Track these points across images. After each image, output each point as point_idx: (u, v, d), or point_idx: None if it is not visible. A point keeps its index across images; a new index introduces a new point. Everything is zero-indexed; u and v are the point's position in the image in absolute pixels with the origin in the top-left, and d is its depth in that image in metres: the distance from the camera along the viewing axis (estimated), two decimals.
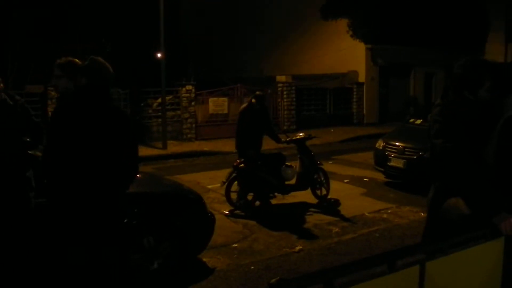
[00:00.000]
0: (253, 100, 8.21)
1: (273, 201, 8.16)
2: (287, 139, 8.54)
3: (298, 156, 8.47)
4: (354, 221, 7.39)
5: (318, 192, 8.49)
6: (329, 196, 8.58)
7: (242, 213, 7.75)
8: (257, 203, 8.07)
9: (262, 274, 5.25)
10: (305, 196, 8.45)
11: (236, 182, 8.00)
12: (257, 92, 8.56)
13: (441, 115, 3.03)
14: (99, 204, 3.52)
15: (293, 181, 8.32)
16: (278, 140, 8.58)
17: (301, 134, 8.96)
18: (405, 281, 1.93)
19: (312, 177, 8.38)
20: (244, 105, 8.47)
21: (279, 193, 8.22)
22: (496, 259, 2.36)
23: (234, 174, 7.93)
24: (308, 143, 8.72)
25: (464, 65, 3.10)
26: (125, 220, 4.71)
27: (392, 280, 1.88)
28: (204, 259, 5.66)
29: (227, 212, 7.78)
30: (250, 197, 8.01)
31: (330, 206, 8.25)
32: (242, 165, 7.84)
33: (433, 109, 3.16)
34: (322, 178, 8.55)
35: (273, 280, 1.60)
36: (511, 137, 2.77)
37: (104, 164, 3.51)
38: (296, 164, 8.43)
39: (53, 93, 13.76)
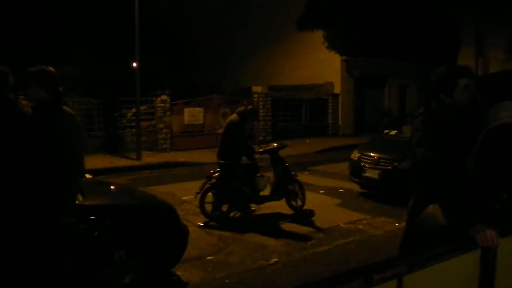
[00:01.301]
0: (248, 113, 8.04)
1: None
2: (260, 150, 8.48)
3: (272, 166, 8.41)
4: (330, 232, 7.36)
5: (294, 203, 8.44)
6: (304, 207, 8.54)
7: (217, 225, 7.65)
8: (237, 214, 8.00)
9: None
10: (280, 207, 8.39)
11: (210, 193, 7.89)
12: (250, 106, 8.50)
13: (423, 124, 3.05)
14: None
15: (267, 192, 8.26)
16: (252, 153, 8.16)
17: (274, 144, 8.91)
18: None
19: (287, 187, 8.33)
20: (235, 116, 8.06)
21: (254, 203, 8.15)
22: (472, 270, 2.33)
23: (207, 185, 7.84)
24: (284, 154, 8.66)
25: (438, 69, 3.15)
26: (96, 233, 4.61)
27: None
28: (178, 273, 5.53)
29: (202, 224, 7.67)
30: (224, 208, 7.92)
31: (305, 217, 8.21)
32: (216, 175, 7.76)
33: (416, 119, 3.17)
34: (297, 189, 8.51)
35: None
36: (491, 150, 2.76)
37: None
38: (270, 175, 8.37)
39: (24, 101, 13.44)
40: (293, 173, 8.51)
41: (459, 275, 2.28)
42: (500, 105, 2.86)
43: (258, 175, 8.12)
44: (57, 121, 3.82)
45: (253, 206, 8.28)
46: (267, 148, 8.61)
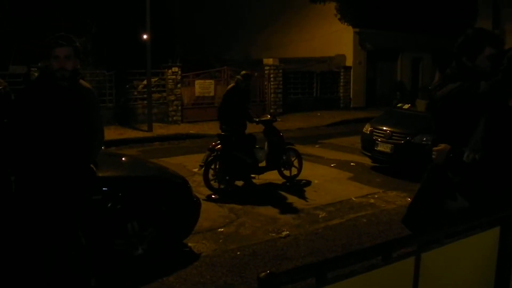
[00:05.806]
0: (240, 77, 8.24)
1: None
2: (256, 120, 8.54)
3: (266, 137, 8.44)
4: (341, 206, 7.35)
5: (287, 172, 8.55)
6: (316, 181, 8.56)
7: (222, 197, 7.64)
8: (240, 183, 8.13)
9: (248, 260, 5.18)
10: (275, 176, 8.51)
11: (212, 166, 7.93)
12: (243, 71, 8.53)
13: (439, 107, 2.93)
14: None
15: (264, 163, 8.34)
16: (251, 119, 8.46)
17: (268, 116, 9.12)
18: (400, 272, 1.86)
19: (281, 157, 8.43)
20: (231, 85, 8.41)
21: (255, 173, 8.26)
22: (491, 248, 2.30)
23: (210, 158, 7.87)
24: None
25: (467, 32, 3.01)
26: (109, 204, 4.64)
27: (387, 272, 1.80)
28: (189, 244, 5.57)
29: (205, 198, 7.68)
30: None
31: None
32: (218, 147, 7.79)
33: (437, 99, 3.03)
34: (293, 158, 8.61)
35: (262, 274, 1.50)
36: (495, 130, 2.65)
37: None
38: (263, 146, 8.44)
39: (36, 74, 13.44)
40: (287, 142, 8.68)
41: (477, 253, 2.25)
42: None
43: (256, 146, 8.23)
44: (74, 95, 3.71)
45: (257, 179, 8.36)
46: (262, 119, 8.67)
